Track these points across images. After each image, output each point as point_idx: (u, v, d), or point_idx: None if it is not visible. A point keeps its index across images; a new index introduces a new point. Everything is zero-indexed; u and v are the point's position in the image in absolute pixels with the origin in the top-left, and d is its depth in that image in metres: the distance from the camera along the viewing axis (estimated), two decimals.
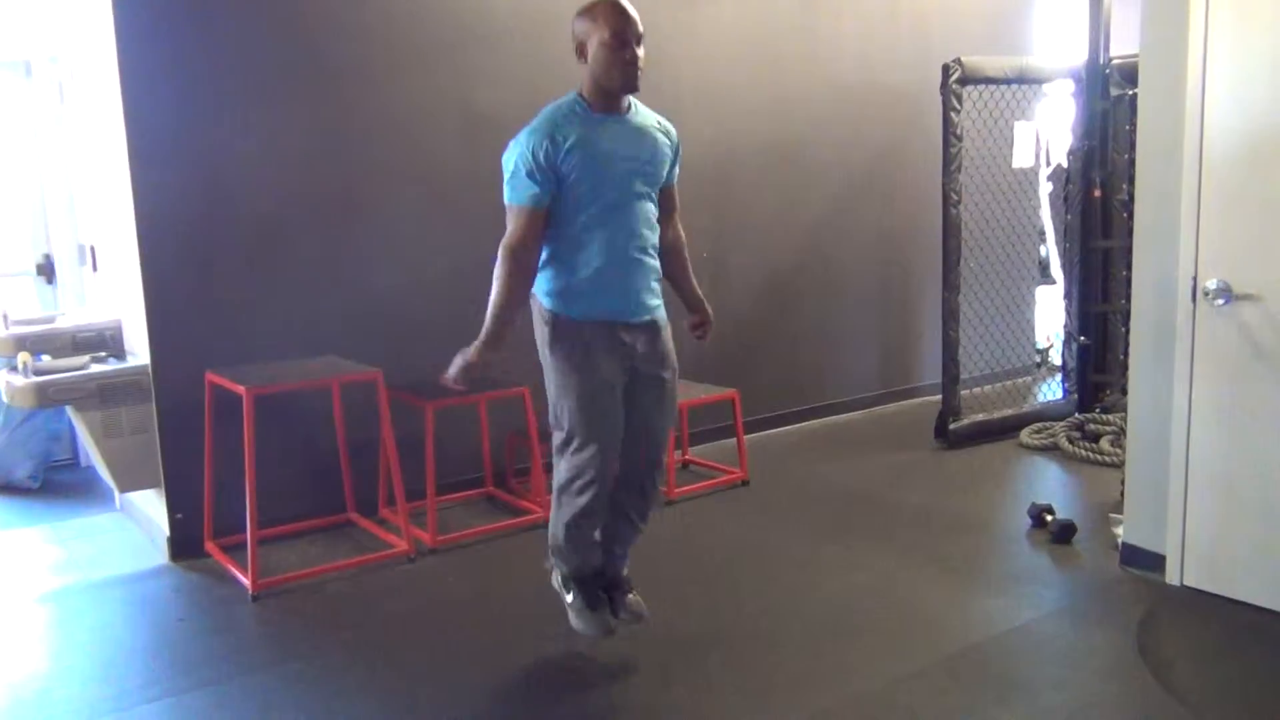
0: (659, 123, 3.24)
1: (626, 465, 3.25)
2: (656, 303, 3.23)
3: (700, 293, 3.49)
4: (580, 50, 3.05)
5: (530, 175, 2.98)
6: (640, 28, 3.01)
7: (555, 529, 3.27)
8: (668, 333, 3.28)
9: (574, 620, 3.33)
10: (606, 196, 3.05)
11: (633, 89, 3.05)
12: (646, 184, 3.15)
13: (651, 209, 3.19)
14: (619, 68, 2.98)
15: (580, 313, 3.10)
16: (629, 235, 3.11)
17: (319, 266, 4.66)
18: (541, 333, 3.16)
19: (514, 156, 3.03)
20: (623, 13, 2.99)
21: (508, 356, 3.20)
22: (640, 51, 3.01)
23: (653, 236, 3.20)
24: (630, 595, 3.42)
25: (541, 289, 3.15)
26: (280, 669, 3.46)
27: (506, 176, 3.05)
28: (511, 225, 3.05)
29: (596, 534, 3.31)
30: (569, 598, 3.33)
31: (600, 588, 3.36)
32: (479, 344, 3.05)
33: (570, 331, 3.10)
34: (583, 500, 3.14)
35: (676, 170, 3.32)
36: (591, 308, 3.10)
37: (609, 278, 3.10)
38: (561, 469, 3.19)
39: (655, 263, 3.22)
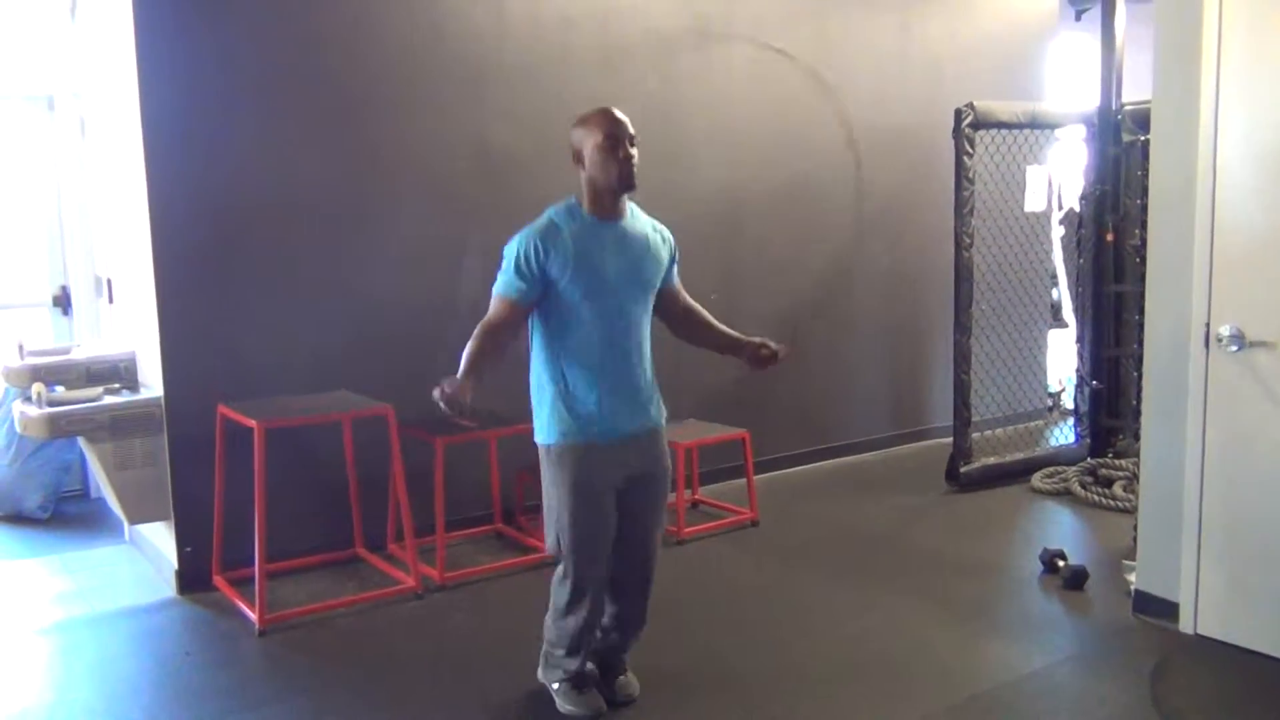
0: (655, 228, 3.29)
1: (622, 569, 3.28)
2: (655, 410, 3.28)
3: (733, 331, 3.48)
4: (577, 157, 3.13)
5: (519, 272, 3.07)
6: (632, 130, 3.11)
7: (554, 646, 3.32)
8: (664, 436, 3.32)
9: (561, 704, 3.33)
10: (604, 300, 3.10)
11: (629, 186, 3.11)
12: (642, 291, 3.20)
13: (646, 317, 3.25)
14: (615, 166, 3.06)
15: (583, 436, 3.13)
16: (627, 342, 3.17)
17: (333, 301, 4.69)
18: (544, 463, 3.21)
19: (511, 251, 3.11)
20: (614, 117, 3.11)
21: (494, 384, 3.21)
22: (634, 152, 3.10)
23: (647, 343, 3.25)
24: (622, 676, 3.42)
25: (543, 426, 3.18)
26: (286, 705, 3.45)
27: (501, 268, 3.13)
28: (493, 309, 3.13)
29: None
30: (555, 686, 3.36)
31: (591, 675, 3.38)
32: (455, 378, 3.03)
33: (571, 459, 3.13)
34: (578, 618, 3.22)
35: (676, 269, 3.37)
36: (594, 430, 3.13)
37: (610, 389, 3.14)
38: (558, 590, 3.26)
39: (650, 368, 3.26)
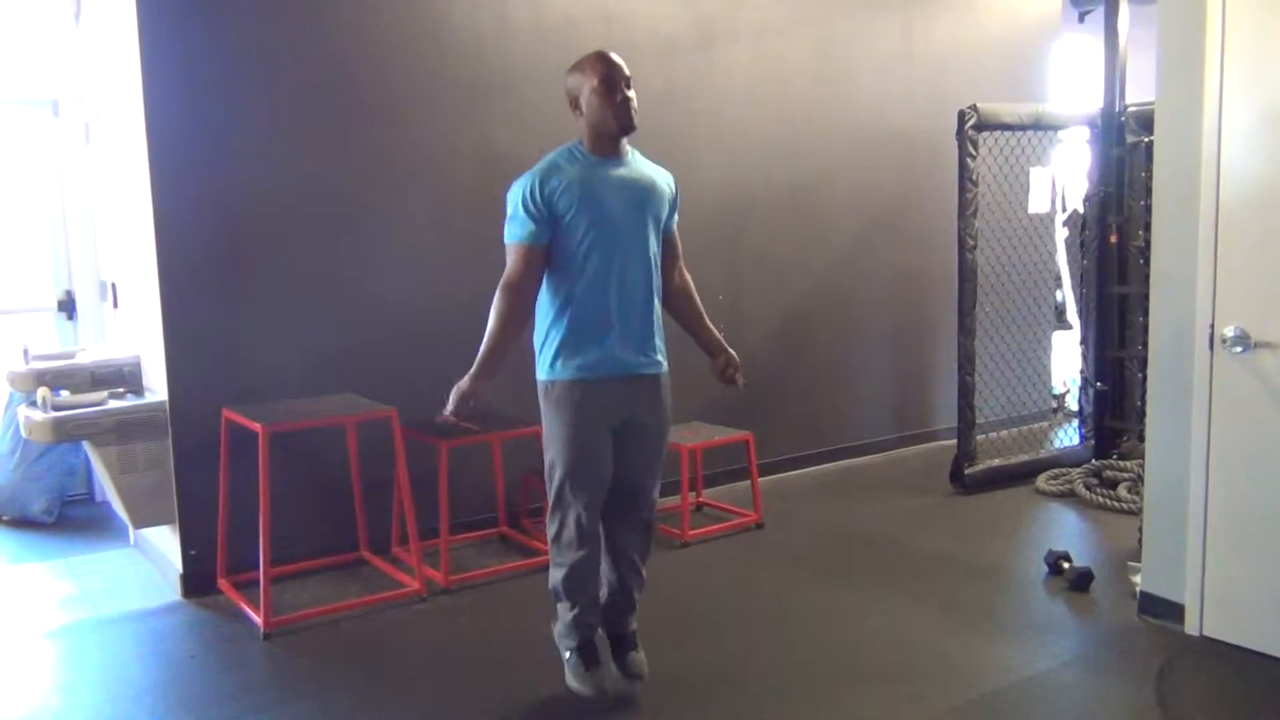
0: (657, 170, 3.30)
1: (620, 510, 3.29)
2: (660, 357, 3.28)
3: (719, 336, 3.51)
4: (574, 104, 3.15)
5: (528, 213, 3.08)
6: (627, 71, 3.12)
7: (554, 579, 3.33)
8: (668, 388, 3.32)
9: (569, 678, 3.34)
10: (608, 236, 3.11)
11: (629, 128, 3.13)
12: (646, 227, 3.20)
13: (653, 257, 3.24)
14: (613, 109, 3.08)
15: (583, 371, 3.13)
16: (633, 279, 3.17)
17: (337, 304, 4.69)
18: (543, 399, 3.23)
19: (515, 195, 3.13)
20: (609, 59, 3.12)
21: (499, 386, 3.24)
22: (631, 94, 3.10)
23: (656, 279, 3.25)
24: (633, 653, 3.42)
25: (545, 362, 3.19)
26: (291, 708, 3.45)
27: (507, 217, 3.14)
28: (510, 262, 3.14)
29: (602, 591, 3.36)
30: (566, 655, 3.35)
31: (597, 648, 3.38)
32: (472, 374, 3.12)
33: (570, 395, 3.14)
34: (576, 552, 3.22)
35: (676, 217, 3.38)
36: (596, 366, 3.14)
37: (615, 326, 3.14)
38: (553, 522, 3.26)
39: (659, 309, 3.27)
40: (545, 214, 3.07)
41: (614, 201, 3.12)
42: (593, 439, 3.16)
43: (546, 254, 3.12)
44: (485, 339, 3.12)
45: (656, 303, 3.27)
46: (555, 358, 3.16)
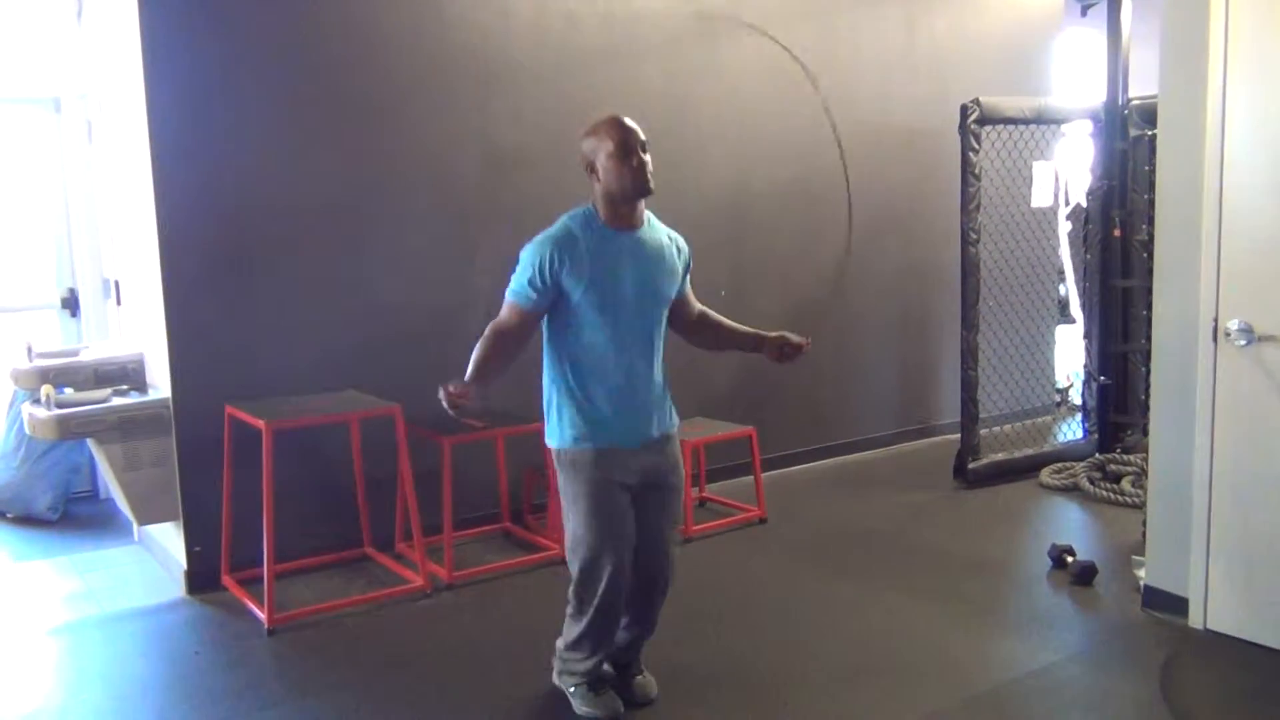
0: (670, 237, 3.26)
1: (638, 576, 3.25)
2: (668, 417, 3.27)
3: (749, 329, 3.45)
4: (590, 168, 3.09)
5: (532, 282, 3.04)
6: (643, 136, 3.07)
7: (573, 635, 3.27)
8: (677, 442, 3.31)
9: (578, 706, 3.30)
10: (618, 316, 3.08)
11: (645, 192, 3.07)
12: (657, 304, 3.18)
13: (660, 327, 3.23)
14: (629, 173, 3.02)
15: (594, 441, 3.11)
16: (640, 353, 3.15)
17: (340, 301, 4.70)
18: (558, 467, 3.20)
19: (527, 258, 3.08)
20: (623, 124, 3.06)
21: (502, 383, 3.21)
22: (647, 157, 3.06)
23: (660, 351, 3.23)
24: (639, 677, 3.41)
25: (554, 430, 3.16)
26: (295, 704, 3.46)
27: (516, 271, 3.10)
28: (504, 313, 3.12)
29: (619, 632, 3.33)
30: (572, 689, 3.33)
31: (608, 675, 3.36)
32: (462, 381, 3.04)
33: (583, 459, 3.11)
34: (602, 614, 3.17)
35: (688, 280, 3.35)
36: (608, 435, 3.11)
37: (624, 399, 3.12)
38: (580, 587, 3.20)
39: (662, 376, 3.24)
40: (551, 289, 3.04)
41: (628, 280, 3.08)
42: (611, 499, 3.12)
43: (540, 318, 3.11)
44: (471, 365, 3.06)
45: (661, 372, 3.24)
46: (564, 426, 3.13)
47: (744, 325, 3.46)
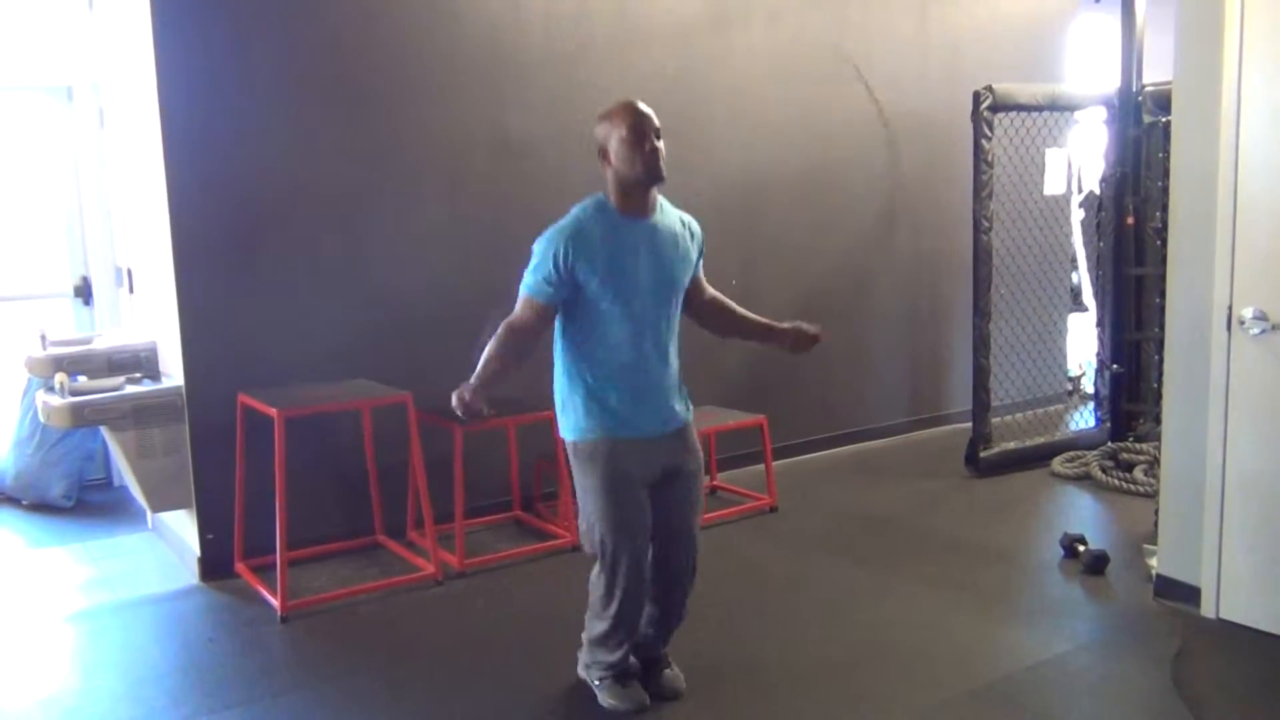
0: (684, 222, 3.24)
1: (661, 566, 3.24)
2: (682, 406, 3.25)
3: (763, 319, 3.43)
4: (602, 153, 3.07)
5: (547, 276, 3.02)
6: (657, 122, 3.04)
7: (597, 630, 3.26)
8: (693, 431, 3.29)
9: (604, 698, 3.29)
10: (632, 305, 3.06)
11: (658, 178, 3.04)
12: (671, 292, 3.16)
13: (675, 315, 3.21)
14: (641, 159, 3.00)
15: (610, 432, 3.09)
16: (655, 342, 3.13)
17: (352, 290, 4.70)
18: (572, 459, 3.18)
19: (540, 251, 3.06)
20: (637, 109, 3.04)
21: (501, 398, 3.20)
22: (660, 144, 3.03)
23: (674, 341, 3.22)
24: (667, 670, 3.39)
25: (569, 423, 3.15)
26: (308, 691, 3.48)
27: (530, 265, 3.08)
28: (520, 308, 3.10)
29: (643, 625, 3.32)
30: (597, 682, 3.32)
31: (633, 668, 3.34)
32: (472, 387, 3.04)
33: (598, 451, 3.10)
34: (624, 605, 3.16)
35: (701, 264, 3.33)
36: (623, 426, 3.10)
37: (641, 389, 3.11)
38: (600, 579, 3.20)
39: (676, 365, 3.23)
40: (567, 281, 3.02)
41: (642, 269, 3.06)
42: (627, 489, 3.11)
43: (555, 311, 3.09)
44: (482, 364, 3.06)
45: (676, 361, 3.23)
46: (579, 418, 3.12)
47: (756, 315, 3.45)
